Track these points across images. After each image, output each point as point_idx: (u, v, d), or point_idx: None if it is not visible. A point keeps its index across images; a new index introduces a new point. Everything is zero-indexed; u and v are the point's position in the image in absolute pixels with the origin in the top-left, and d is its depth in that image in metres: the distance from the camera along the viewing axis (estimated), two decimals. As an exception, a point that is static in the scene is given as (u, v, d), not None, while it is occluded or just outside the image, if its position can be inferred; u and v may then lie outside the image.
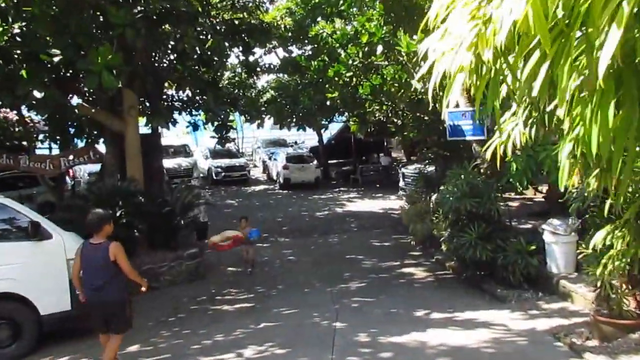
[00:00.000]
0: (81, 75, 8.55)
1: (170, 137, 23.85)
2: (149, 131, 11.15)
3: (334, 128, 27.28)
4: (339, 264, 10.19)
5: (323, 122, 16.31)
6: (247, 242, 9.71)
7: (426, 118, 12.77)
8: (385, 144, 28.58)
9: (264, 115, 16.15)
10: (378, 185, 22.04)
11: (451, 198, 7.44)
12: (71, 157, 10.03)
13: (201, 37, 10.60)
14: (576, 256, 6.58)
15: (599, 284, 5.09)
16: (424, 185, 13.04)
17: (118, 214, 8.66)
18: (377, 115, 15.63)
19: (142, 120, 10.84)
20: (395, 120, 15.06)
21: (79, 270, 4.83)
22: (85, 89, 9.89)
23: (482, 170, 8.57)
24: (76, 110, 10.30)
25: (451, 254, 8.18)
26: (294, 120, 15.66)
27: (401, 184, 16.99)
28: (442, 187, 9.31)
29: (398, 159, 27.77)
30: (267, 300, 8.09)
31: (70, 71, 9.28)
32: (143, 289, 5.02)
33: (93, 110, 9.85)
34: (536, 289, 7.07)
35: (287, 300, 7.96)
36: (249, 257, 9.80)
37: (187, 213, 9.97)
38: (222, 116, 11.03)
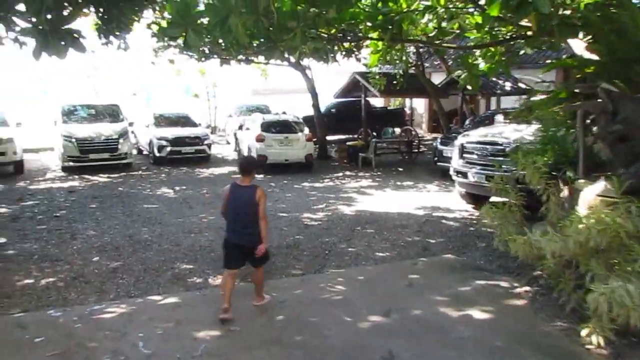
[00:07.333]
0: None
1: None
2: None
3: (329, 96, 19.60)
4: None
5: (318, 46, 8.00)
6: None
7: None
8: (406, 114, 21.13)
9: (205, 38, 7.01)
10: (401, 169, 14.56)
11: None
12: None
13: None
14: None
15: None
16: (554, 162, 5.50)
17: None
18: (422, 33, 7.82)
19: None
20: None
21: (226, 208, 4.83)
22: None
23: None
24: None
25: None
26: (259, 45, 7.32)
27: (456, 164, 9.34)
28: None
29: (420, 136, 20.11)
30: None
31: None
32: (262, 247, 4.67)
33: None
34: None
35: None
36: None
37: None
38: None
